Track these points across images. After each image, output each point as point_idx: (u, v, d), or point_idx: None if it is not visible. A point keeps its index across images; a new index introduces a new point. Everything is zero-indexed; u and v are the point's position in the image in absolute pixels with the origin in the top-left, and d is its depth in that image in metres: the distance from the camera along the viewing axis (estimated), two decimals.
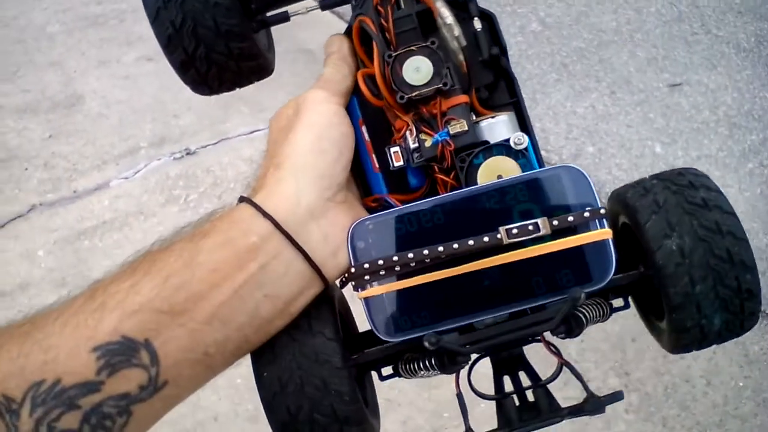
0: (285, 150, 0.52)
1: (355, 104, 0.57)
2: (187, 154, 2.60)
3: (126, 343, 0.45)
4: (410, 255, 0.49)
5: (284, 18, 0.64)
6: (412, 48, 0.53)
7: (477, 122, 0.54)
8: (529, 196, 0.50)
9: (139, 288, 0.46)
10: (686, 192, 0.52)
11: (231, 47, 0.58)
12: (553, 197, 0.50)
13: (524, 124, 0.57)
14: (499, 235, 0.49)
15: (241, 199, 0.51)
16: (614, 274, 0.50)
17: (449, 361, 0.50)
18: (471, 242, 0.49)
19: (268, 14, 0.64)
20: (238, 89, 0.64)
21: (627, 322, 1.98)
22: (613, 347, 1.91)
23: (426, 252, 0.49)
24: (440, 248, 0.49)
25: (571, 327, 0.50)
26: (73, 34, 3.28)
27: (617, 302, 0.56)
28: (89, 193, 2.47)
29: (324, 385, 0.49)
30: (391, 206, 0.54)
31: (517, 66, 2.98)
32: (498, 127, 0.54)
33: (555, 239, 0.49)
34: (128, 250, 2.31)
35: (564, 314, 0.48)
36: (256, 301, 0.48)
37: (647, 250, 0.51)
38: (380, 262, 0.50)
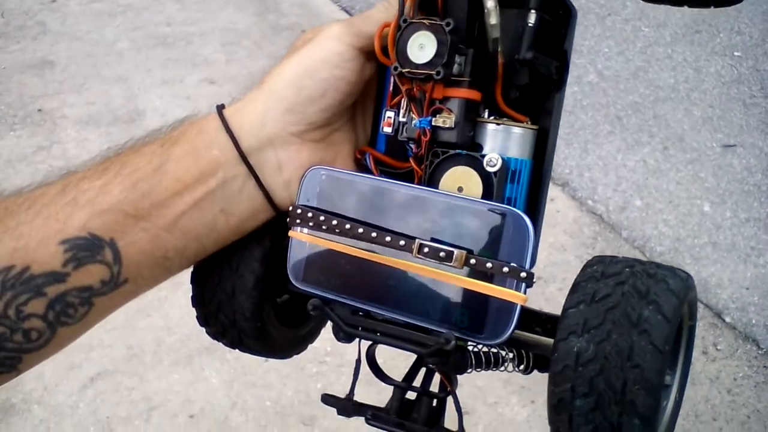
0: (273, 72, 0.53)
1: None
2: None
3: (92, 240, 0.48)
4: (334, 222, 0.50)
5: None
6: (425, 21, 0.49)
7: (483, 122, 0.51)
8: (468, 223, 0.47)
9: (109, 189, 0.49)
10: (632, 301, 0.44)
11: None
12: (489, 235, 0.47)
13: (543, 146, 0.52)
14: (413, 245, 0.48)
15: (218, 108, 0.53)
16: (522, 330, 0.50)
17: (335, 332, 0.51)
18: (388, 238, 0.49)
19: None
20: None
21: None
22: None
23: (348, 226, 0.50)
24: (360, 229, 0.49)
25: (447, 363, 0.48)
26: (141, 52, 3.39)
27: None
28: None
29: (233, 293, 0.55)
30: (366, 163, 0.55)
31: (570, 115, 3.00)
32: (504, 137, 0.51)
33: (468, 276, 0.47)
34: None
35: (433, 351, 0.47)
36: (214, 215, 0.51)
37: (556, 331, 0.46)
38: (309, 214, 0.51)
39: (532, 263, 0.47)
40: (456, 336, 0.46)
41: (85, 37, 3.50)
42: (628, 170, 2.74)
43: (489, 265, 0.46)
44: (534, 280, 0.46)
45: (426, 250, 0.47)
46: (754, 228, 2.45)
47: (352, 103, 0.55)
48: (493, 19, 0.49)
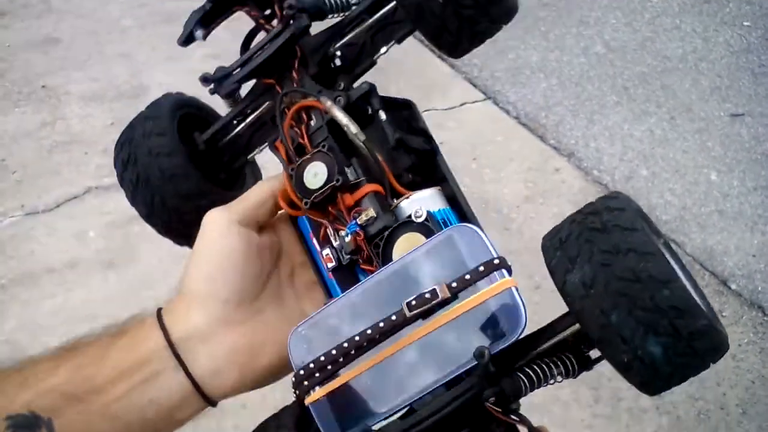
0: (186, 271, 0.57)
1: (305, 221, 0.60)
2: None
3: (32, 418, 0.51)
4: (334, 352, 0.49)
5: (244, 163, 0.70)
6: (307, 156, 0.56)
7: (396, 205, 0.56)
8: (431, 265, 0.49)
9: (57, 371, 0.53)
10: (588, 220, 0.48)
11: (197, 207, 0.63)
12: (451, 259, 0.49)
13: (455, 197, 0.57)
14: (403, 312, 0.48)
15: (158, 310, 0.57)
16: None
17: None
18: (381, 324, 0.49)
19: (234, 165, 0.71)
20: None
21: None
22: None
23: (346, 345, 0.49)
24: (356, 338, 0.49)
25: (501, 391, 0.47)
26: (145, 29, 3.38)
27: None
28: None
29: None
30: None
31: (577, 86, 2.97)
32: (419, 202, 0.55)
33: (460, 301, 0.47)
34: None
35: (482, 375, 0.46)
36: (143, 404, 0.54)
37: (560, 291, 0.48)
38: (312, 370, 0.50)
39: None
40: (487, 349, 0.46)
41: (89, 15, 3.49)
42: (634, 140, 2.72)
43: (467, 276, 0.47)
44: (509, 263, 0.48)
45: (414, 303, 0.48)
46: (761, 196, 2.42)
47: (264, 277, 0.59)
48: (353, 128, 0.56)
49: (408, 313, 0.48)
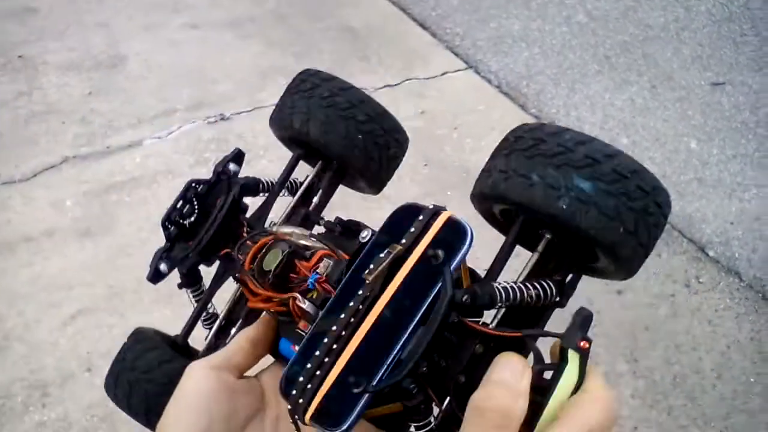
0: (161, 421, 0.58)
1: (284, 341, 0.60)
2: (222, 119, 2.62)
3: None
4: (317, 353, 0.50)
5: None
6: (263, 251, 0.60)
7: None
8: (386, 245, 0.51)
9: None
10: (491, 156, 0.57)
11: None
12: (400, 232, 0.51)
13: None
14: (368, 277, 0.50)
15: None
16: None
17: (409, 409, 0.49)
18: (351, 304, 0.50)
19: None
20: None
21: (640, 312, 1.96)
22: (625, 334, 1.89)
23: (326, 341, 0.50)
24: (334, 328, 0.50)
25: (475, 295, 0.49)
26: None
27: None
28: (122, 150, 2.51)
29: None
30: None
31: (559, 55, 2.96)
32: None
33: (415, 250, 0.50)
34: (154, 207, 2.35)
35: (451, 278, 0.47)
36: None
37: (488, 198, 0.56)
38: (301, 383, 0.50)
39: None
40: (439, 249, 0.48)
41: None
42: (615, 109, 2.71)
43: (412, 229, 0.50)
44: (443, 206, 0.51)
45: (372, 266, 0.50)
46: (740, 164, 2.42)
47: (239, 423, 0.59)
48: (297, 231, 0.62)
49: (368, 279, 0.49)
